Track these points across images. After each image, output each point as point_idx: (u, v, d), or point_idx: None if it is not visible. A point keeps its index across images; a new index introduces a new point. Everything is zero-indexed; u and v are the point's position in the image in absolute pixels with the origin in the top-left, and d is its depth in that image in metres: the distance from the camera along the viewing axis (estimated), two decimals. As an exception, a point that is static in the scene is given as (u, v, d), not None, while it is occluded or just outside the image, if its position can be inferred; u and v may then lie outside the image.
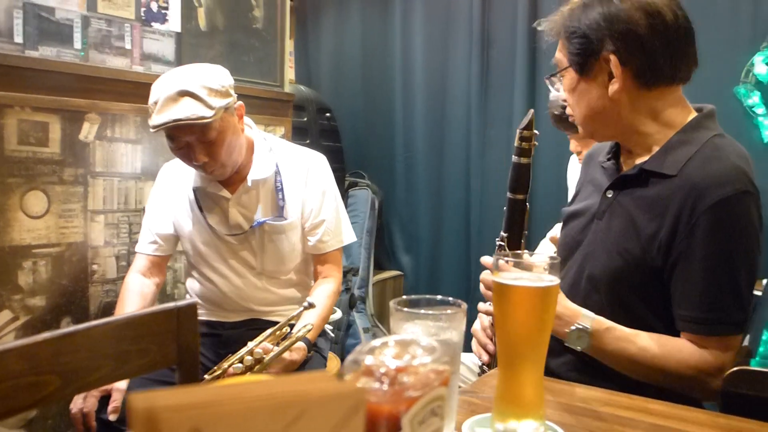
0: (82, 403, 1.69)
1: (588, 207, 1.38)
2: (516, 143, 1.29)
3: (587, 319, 1.21)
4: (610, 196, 1.32)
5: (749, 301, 1.20)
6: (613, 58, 1.24)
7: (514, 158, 1.30)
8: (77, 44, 2.25)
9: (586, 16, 1.26)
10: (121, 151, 2.37)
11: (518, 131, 1.29)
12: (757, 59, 2.68)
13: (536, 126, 1.28)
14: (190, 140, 1.74)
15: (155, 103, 1.71)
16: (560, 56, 1.33)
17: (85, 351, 1.00)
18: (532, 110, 1.31)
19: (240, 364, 1.67)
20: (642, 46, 1.23)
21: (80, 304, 2.26)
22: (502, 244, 1.32)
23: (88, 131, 2.26)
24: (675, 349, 1.19)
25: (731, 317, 1.18)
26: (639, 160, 1.30)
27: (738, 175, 1.19)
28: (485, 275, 1.31)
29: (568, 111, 1.38)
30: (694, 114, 1.31)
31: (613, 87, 1.26)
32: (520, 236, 1.32)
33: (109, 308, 2.33)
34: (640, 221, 1.24)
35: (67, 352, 0.98)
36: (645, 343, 1.20)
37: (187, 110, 1.68)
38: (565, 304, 1.22)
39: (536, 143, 1.29)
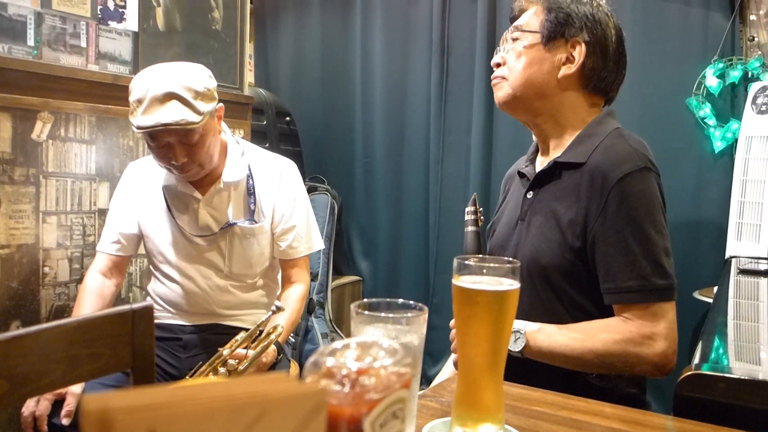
0: (34, 406, 1.65)
1: (512, 214, 1.47)
2: (467, 217, 1.47)
3: (521, 323, 1.28)
4: (530, 197, 1.41)
5: (670, 268, 1.26)
6: (582, 46, 1.36)
7: (470, 228, 1.47)
8: (30, 41, 2.20)
9: (577, 3, 1.38)
10: (74, 151, 2.31)
11: (467, 210, 1.48)
12: (708, 72, 2.76)
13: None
14: (172, 141, 1.73)
15: (139, 101, 1.69)
16: (532, 21, 1.41)
17: (34, 355, 0.98)
18: (475, 193, 1.55)
19: (213, 376, 1.65)
20: (604, 54, 1.38)
21: (30, 307, 2.20)
22: None
23: (40, 130, 2.20)
24: (599, 329, 1.25)
25: (652, 283, 1.23)
26: (553, 157, 1.39)
27: (637, 155, 1.28)
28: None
29: (499, 72, 1.44)
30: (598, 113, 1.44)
31: (566, 71, 1.37)
32: None
33: (61, 312, 2.27)
34: (559, 210, 1.32)
35: (16, 356, 0.95)
36: (573, 332, 1.26)
37: (175, 114, 1.67)
38: None
39: (482, 218, 1.49)
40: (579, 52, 1.36)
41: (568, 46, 1.37)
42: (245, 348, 1.71)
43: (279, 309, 1.76)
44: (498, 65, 1.45)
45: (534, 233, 1.35)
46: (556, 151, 1.41)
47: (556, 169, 1.36)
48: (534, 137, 1.52)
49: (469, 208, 1.48)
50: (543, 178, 1.39)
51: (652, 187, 1.27)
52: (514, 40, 1.42)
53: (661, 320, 1.23)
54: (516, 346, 1.26)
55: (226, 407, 0.38)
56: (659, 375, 1.25)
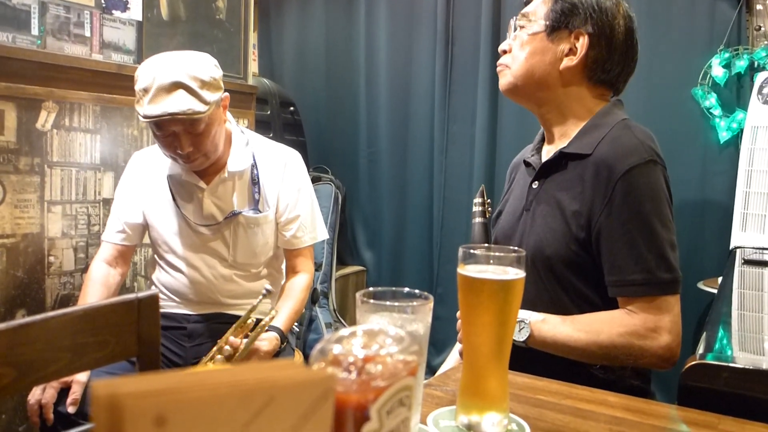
0: (40, 394, 1.66)
1: (516, 204, 1.46)
2: (475, 208, 1.45)
3: (524, 312, 1.28)
4: (535, 186, 1.40)
5: (675, 261, 1.25)
6: (585, 38, 1.34)
7: (477, 220, 1.45)
8: (34, 30, 2.20)
9: None
10: (79, 141, 2.31)
11: (475, 201, 1.46)
12: (714, 62, 2.74)
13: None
14: (178, 130, 1.73)
15: (145, 90, 1.69)
16: (539, 9, 1.39)
17: (41, 343, 0.98)
18: (483, 185, 1.51)
19: (211, 364, 1.67)
20: (610, 44, 1.35)
21: (36, 296, 2.21)
22: None
23: (45, 120, 2.20)
24: (604, 321, 1.25)
25: (657, 277, 1.23)
26: (559, 148, 1.38)
27: (644, 147, 1.27)
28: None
29: (503, 60, 1.42)
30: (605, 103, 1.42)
31: (569, 62, 1.35)
32: None
33: (66, 301, 2.28)
34: (564, 201, 1.31)
35: (23, 344, 0.95)
36: (578, 323, 1.26)
37: (181, 104, 1.67)
38: None
39: (490, 209, 1.48)
40: (581, 44, 1.34)
41: (572, 37, 1.35)
42: (245, 336, 1.72)
43: (269, 292, 1.77)
44: (504, 52, 1.43)
45: (539, 223, 1.35)
46: (561, 141, 1.40)
47: (561, 159, 1.35)
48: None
49: (477, 200, 1.47)
50: (548, 169, 1.38)
51: (658, 180, 1.26)
52: (521, 27, 1.40)
53: (665, 313, 1.22)
54: (520, 336, 1.26)
55: (234, 393, 0.38)
56: (663, 367, 1.25)
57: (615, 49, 1.36)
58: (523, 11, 1.42)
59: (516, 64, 1.39)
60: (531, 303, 1.30)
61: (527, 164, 1.48)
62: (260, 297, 1.76)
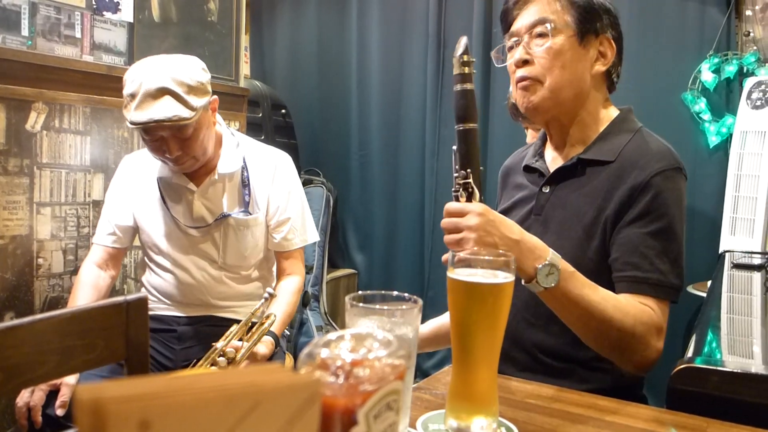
0: (28, 397, 1.65)
1: (522, 206, 1.42)
2: (457, 70, 1.13)
3: (557, 257, 1.12)
4: (546, 191, 1.37)
5: (683, 271, 1.25)
6: (612, 42, 1.33)
7: (458, 86, 1.14)
8: (24, 31, 2.19)
9: None
10: (69, 142, 2.30)
11: (457, 58, 1.13)
12: (704, 67, 2.76)
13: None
14: (165, 135, 1.73)
15: (132, 96, 1.69)
16: (556, 18, 1.28)
17: (28, 346, 0.97)
18: (464, 36, 1.16)
19: (214, 367, 1.66)
20: (621, 43, 1.37)
21: (24, 298, 2.19)
22: (468, 181, 1.15)
23: (34, 121, 2.19)
24: (630, 304, 1.18)
25: (670, 281, 1.22)
26: (573, 153, 1.36)
27: (671, 154, 1.28)
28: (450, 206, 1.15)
29: (531, 74, 1.29)
30: (617, 111, 1.40)
31: (600, 67, 1.33)
32: (478, 170, 1.17)
33: (55, 303, 2.27)
34: (582, 209, 1.29)
35: (10, 347, 0.95)
36: (605, 293, 1.17)
37: (167, 110, 1.66)
38: (534, 241, 1.12)
39: (474, 71, 1.15)
40: (610, 48, 1.33)
41: (598, 42, 1.32)
42: (240, 340, 1.72)
43: (271, 296, 1.76)
44: (525, 62, 1.30)
45: (554, 230, 1.32)
46: (575, 148, 1.36)
47: (578, 165, 1.33)
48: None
49: (459, 56, 1.13)
50: (563, 174, 1.35)
51: (682, 188, 1.26)
52: (541, 36, 1.28)
53: (665, 319, 1.21)
54: (547, 282, 1.10)
55: (220, 397, 0.38)
56: (644, 370, 1.22)
57: (622, 48, 1.37)
58: (542, 18, 1.29)
59: (553, 77, 1.28)
60: (539, 305, 1.28)
61: (530, 169, 1.43)
62: (261, 301, 1.75)
